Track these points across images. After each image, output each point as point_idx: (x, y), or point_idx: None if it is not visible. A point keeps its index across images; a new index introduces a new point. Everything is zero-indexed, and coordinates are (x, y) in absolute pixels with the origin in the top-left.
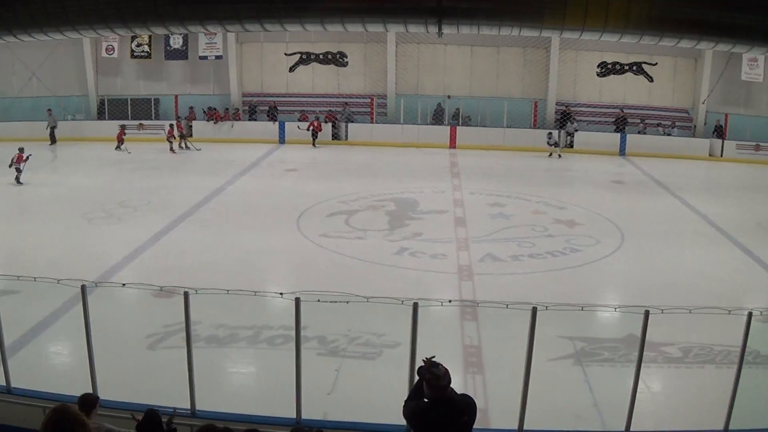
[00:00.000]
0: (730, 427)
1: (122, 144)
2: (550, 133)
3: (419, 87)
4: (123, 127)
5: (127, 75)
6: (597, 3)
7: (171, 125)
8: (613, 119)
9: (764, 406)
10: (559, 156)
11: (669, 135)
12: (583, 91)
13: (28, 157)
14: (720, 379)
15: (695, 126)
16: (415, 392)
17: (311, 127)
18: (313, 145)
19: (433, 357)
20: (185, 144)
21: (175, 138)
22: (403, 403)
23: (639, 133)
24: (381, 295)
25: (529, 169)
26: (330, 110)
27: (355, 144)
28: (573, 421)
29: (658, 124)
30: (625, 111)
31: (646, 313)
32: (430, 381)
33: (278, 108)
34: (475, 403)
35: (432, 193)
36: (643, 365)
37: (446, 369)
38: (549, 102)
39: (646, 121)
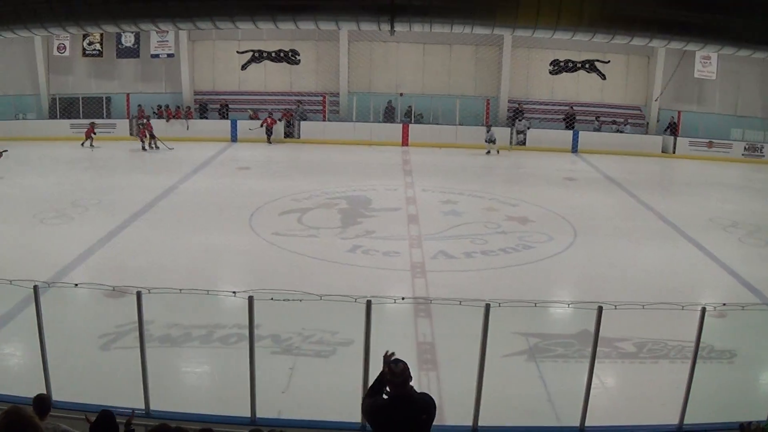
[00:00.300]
0: (685, 422)
1: (91, 141)
2: (488, 130)
3: (372, 85)
4: (93, 124)
5: (78, 73)
6: (549, 1)
7: (141, 124)
8: (563, 117)
9: (718, 400)
10: (498, 152)
11: (621, 132)
12: (535, 88)
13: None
14: (674, 374)
15: (648, 123)
16: (373, 389)
17: (264, 124)
18: (269, 141)
19: (393, 354)
20: (155, 143)
21: (146, 137)
22: (361, 401)
23: (595, 130)
24: (334, 293)
25: (482, 167)
26: (287, 108)
27: (308, 142)
28: (527, 416)
29: (613, 122)
30: (574, 108)
31: (600, 309)
32: (387, 377)
33: (230, 106)
34: (434, 401)
35: (385, 190)
36: (597, 360)
37: (405, 365)
38: (501, 100)
39: (601, 119)
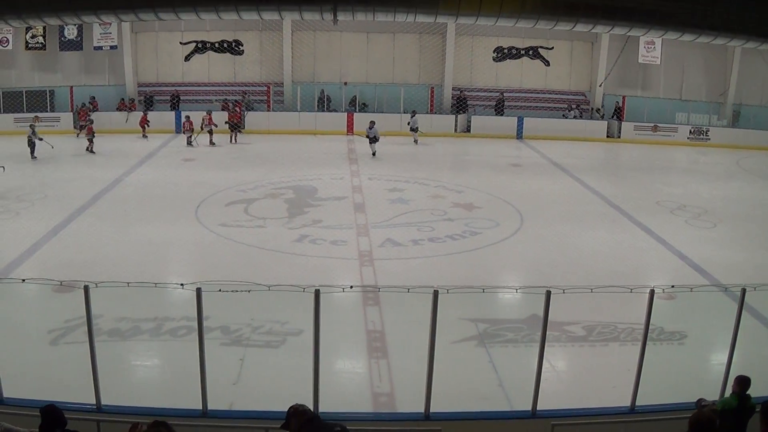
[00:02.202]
0: (637, 404)
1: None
2: (412, 116)
3: (316, 74)
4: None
5: (21, 67)
6: None
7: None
8: (494, 103)
9: (670, 381)
10: (416, 142)
11: (566, 117)
12: (479, 75)
13: None
14: (625, 356)
15: (593, 108)
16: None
17: (210, 124)
18: (211, 142)
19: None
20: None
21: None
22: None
23: (558, 117)
24: (282, 282)
25: (427, 154)
26: (236, 99)
27: (252, 132)
28: (479, 402)
29: (568, 108)
30: (504, 94)
31: (548, 294)
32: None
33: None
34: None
35: (330, 179)
36: (547, 345)
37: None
38: (446, 87)
39: (555, 105)
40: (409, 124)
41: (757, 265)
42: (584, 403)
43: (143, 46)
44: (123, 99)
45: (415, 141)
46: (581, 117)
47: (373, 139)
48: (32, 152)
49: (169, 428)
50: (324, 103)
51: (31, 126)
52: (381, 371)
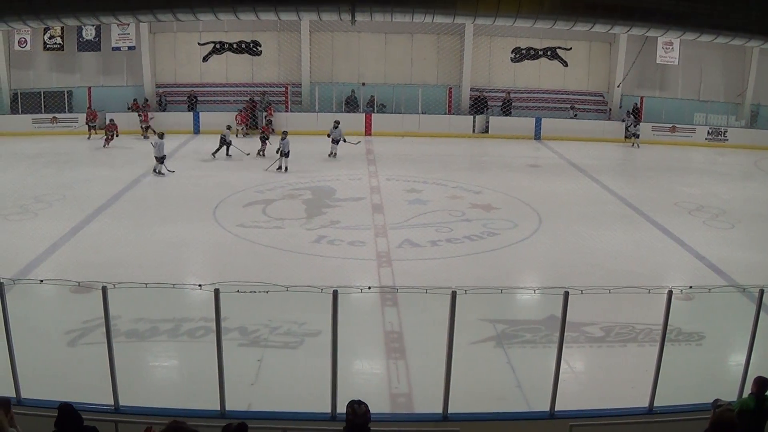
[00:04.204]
0: (655, 404)
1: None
2: (335, 127)
3: (334, 75)
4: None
5: (39, 67)
6: None
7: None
8: (500, 103)
9: (688, 382)
10: (334, 155)
11: (574, 118)
12: (497, 76)
13: None
14: (643, 357)
15: (611, 109)
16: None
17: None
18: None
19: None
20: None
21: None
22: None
23: (572, 117)
24: (300, 283)
25: (445, 155)
26: (263, 99)
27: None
28: (497, 402)
29: (584, 109)
30: (510, 94)
31: (566, 294)
32: (348, 415)
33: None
34: None
35: (348, 180)
36: (565, 345)
37: (367, 408)
38: (464, 88)
39: (578, 107)
40: (329, 135)
41: None
42: (602, 404)
43: (161, 47)
44: (135, 99)
45: (334, 154)
46: (576, 117)
47: (336, 141)
48: (227, 151)
49: (187, 428)
50: (360, 104)
51: (229, 127)
52: (399, 372)
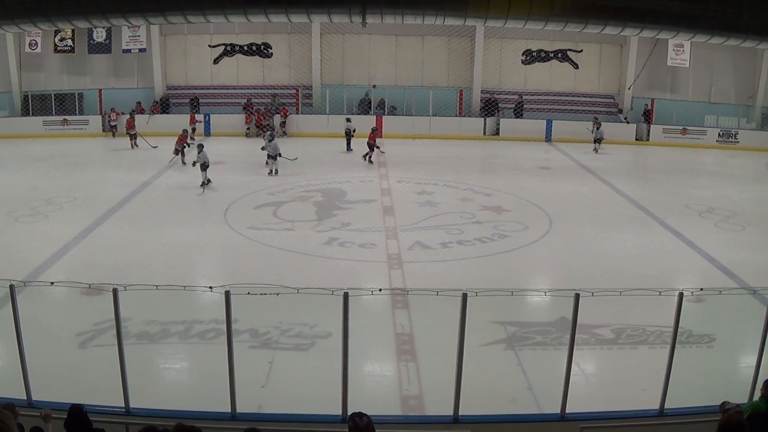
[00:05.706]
0: (666, 406)
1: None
2: (270, 140)
3: (344, 77)
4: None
5: (50, 70)
6: None
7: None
8: (512, 105)
9: (699, 384)
10: (277, 172)
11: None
12: (508, 79)
13: None
14: (654, 359)
15: (621, 111)
16: None
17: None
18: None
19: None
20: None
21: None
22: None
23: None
24: (311, 285)
25: (456, 157)
26: (273, 101)
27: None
28: (508, 404)
29: (608, 112)
30: (523, 96)
31: (577, 296)
32: (350, 429)
33: (201, 100)
34: None
35: (359, 182)
36: (575, 347)
37: (370, 420)
38: (474, 90)
39: (584, 108)
40: (264, 148)
41: None
42: (613, 406)
43: (172, 49)
44: (140, 102)
45: (277, 172)
46: (599, 129)
47: (272, 156)
48: (348, 145)
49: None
50: (372, 106)
51: (348, 119)
52: (410, 374)
